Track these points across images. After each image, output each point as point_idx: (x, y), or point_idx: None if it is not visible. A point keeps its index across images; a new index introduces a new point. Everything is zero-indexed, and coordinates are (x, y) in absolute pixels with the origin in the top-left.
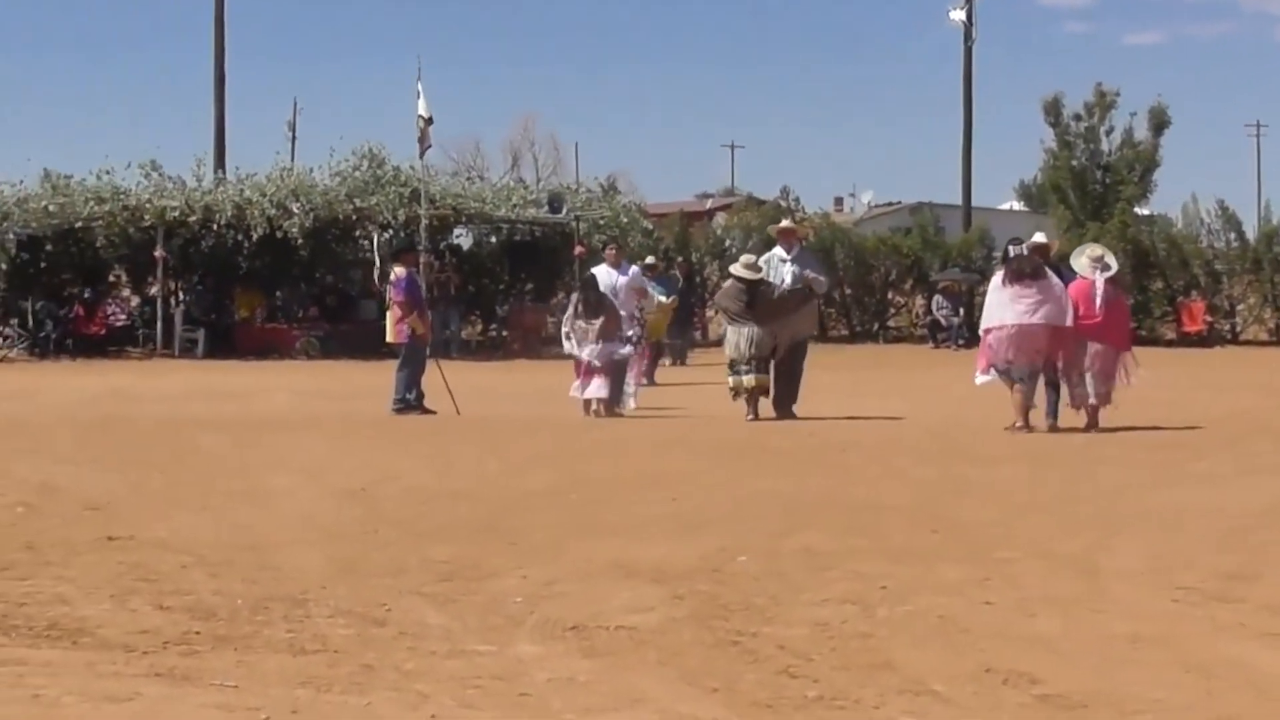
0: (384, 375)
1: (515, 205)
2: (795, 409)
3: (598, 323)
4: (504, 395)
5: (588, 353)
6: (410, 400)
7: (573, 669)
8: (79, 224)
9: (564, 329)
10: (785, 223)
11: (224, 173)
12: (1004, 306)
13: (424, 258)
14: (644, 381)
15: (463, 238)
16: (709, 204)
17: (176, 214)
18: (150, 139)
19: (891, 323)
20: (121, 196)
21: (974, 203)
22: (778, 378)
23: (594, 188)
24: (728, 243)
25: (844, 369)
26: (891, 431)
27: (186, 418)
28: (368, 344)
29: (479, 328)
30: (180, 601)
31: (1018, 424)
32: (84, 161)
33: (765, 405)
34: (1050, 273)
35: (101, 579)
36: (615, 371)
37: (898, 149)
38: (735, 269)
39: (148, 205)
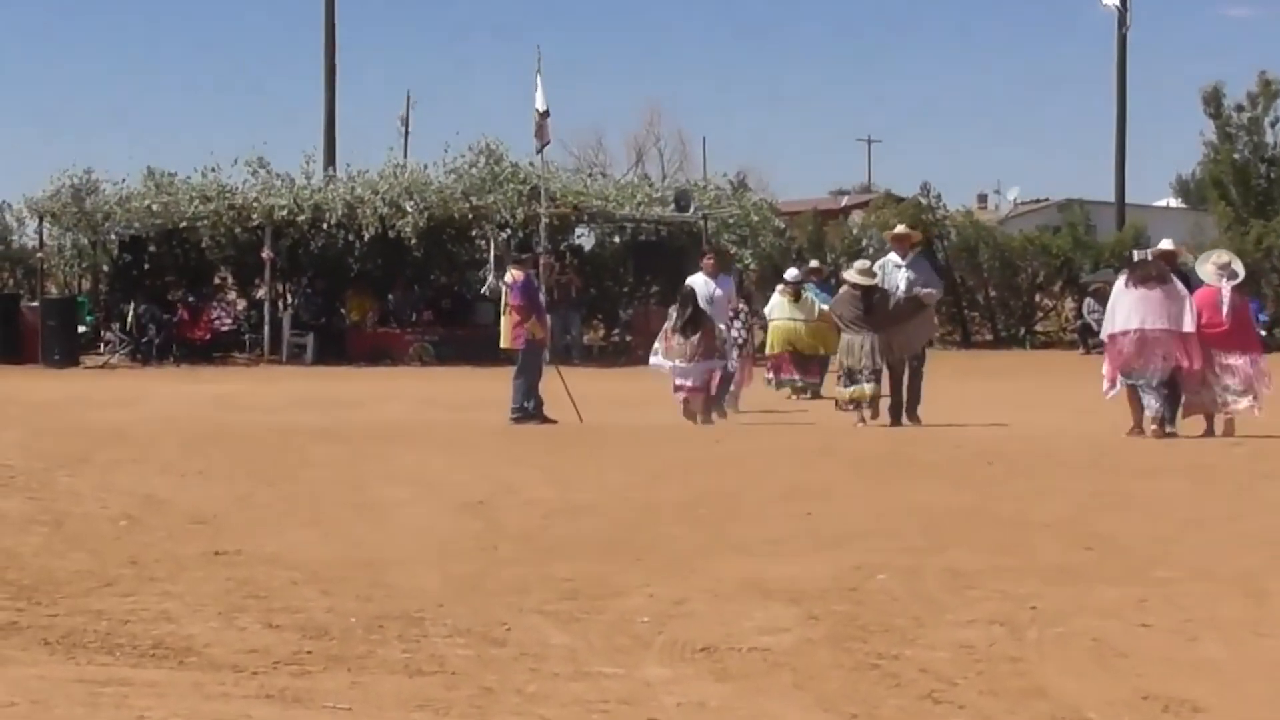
0: (502, 382)
1: (640, 203)
2: (919, 415)
3: (694, 339)
4: (628, 403)
5: (683, 371)
6: (529, 409)
7: (703, 693)
8: (183, 224)
9: (656, 343)
10: (900, 228)
11: (334, 170)
12: (1127, 312)
13: (544, 259)
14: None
15: (584, 238)
16: (844, 201)
17: (284, 213)
18: (257, 134)
19: (1039, 327)
20: (227, 195)
21: (1128, 199)
22: (895, 387)
23: (723, 184)
24: (864, 242)
25: (989, 376)
26: (1041, 442)
27: (296, 427)
28: (485, 349)
29: (601, 332)
30: (291, 620)
31: (1135, 429)
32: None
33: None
34: (1175, 278)
35: (208, 596)
36: (724, 375)
37: (1046, 142)
38: (850, 275)
39: (255, 204)
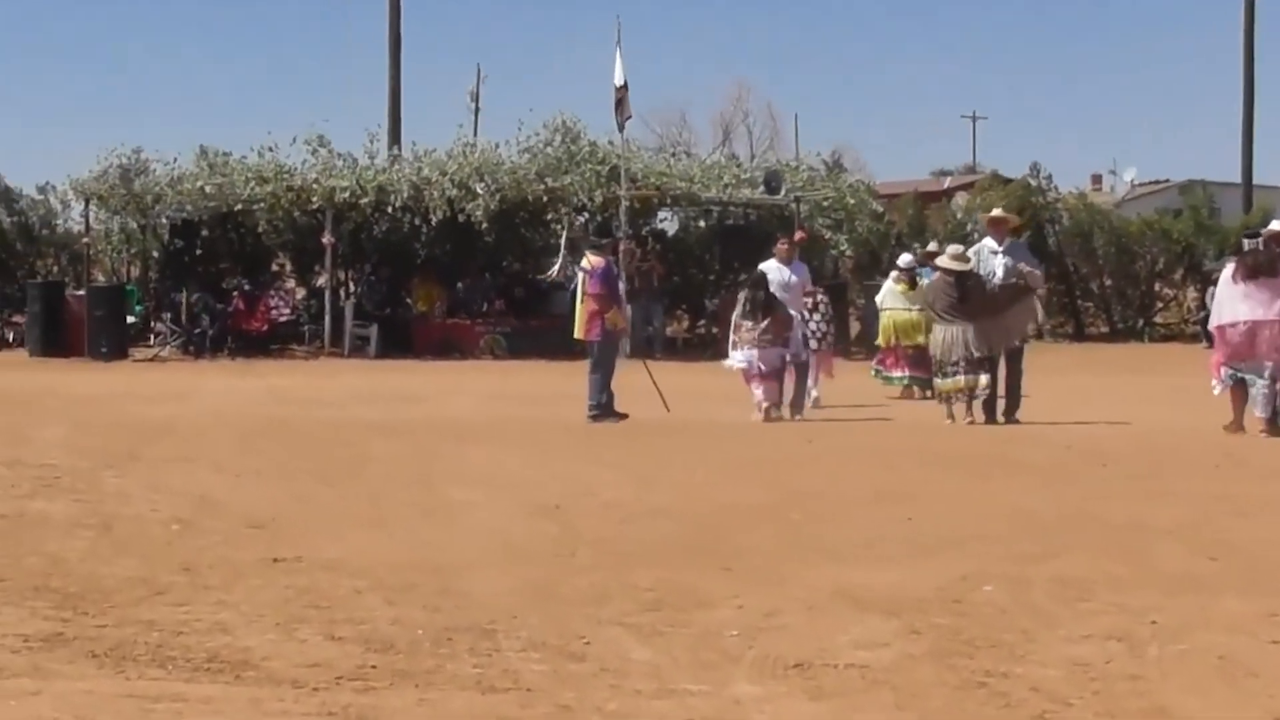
0: (579, 377)
1: (726, 185)
2: (1018, 417)
3: (764, 324)
4: (714, 399)
5: (751, 358)
6: (606, 405)
7: (796, 713)
8: (238, 207)
9: (731, 335)
10: (996, 211)
11: (399, 149)
12: (1235, 302)
13: (624, 245)
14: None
15: (667, 221)
16: (947, 183)
17: (346, 195)
18: (317, 111)
19: (1159, 319)
20: (285, 176)
21: (1255, 180)
22: (993, 381)
23: (816, 164)
24: (969, 227)
25: (1103, 371)
26: (1159, 442)
27: (359, 424)
28: (560, 341)
29: (685, 323)
30: (354, 631)
31: (1235, 424)
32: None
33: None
34: None
35: (266, 605)
36: (797, 372)
37: (1165, 119)
38: (942, 261)
39: (314, 185)
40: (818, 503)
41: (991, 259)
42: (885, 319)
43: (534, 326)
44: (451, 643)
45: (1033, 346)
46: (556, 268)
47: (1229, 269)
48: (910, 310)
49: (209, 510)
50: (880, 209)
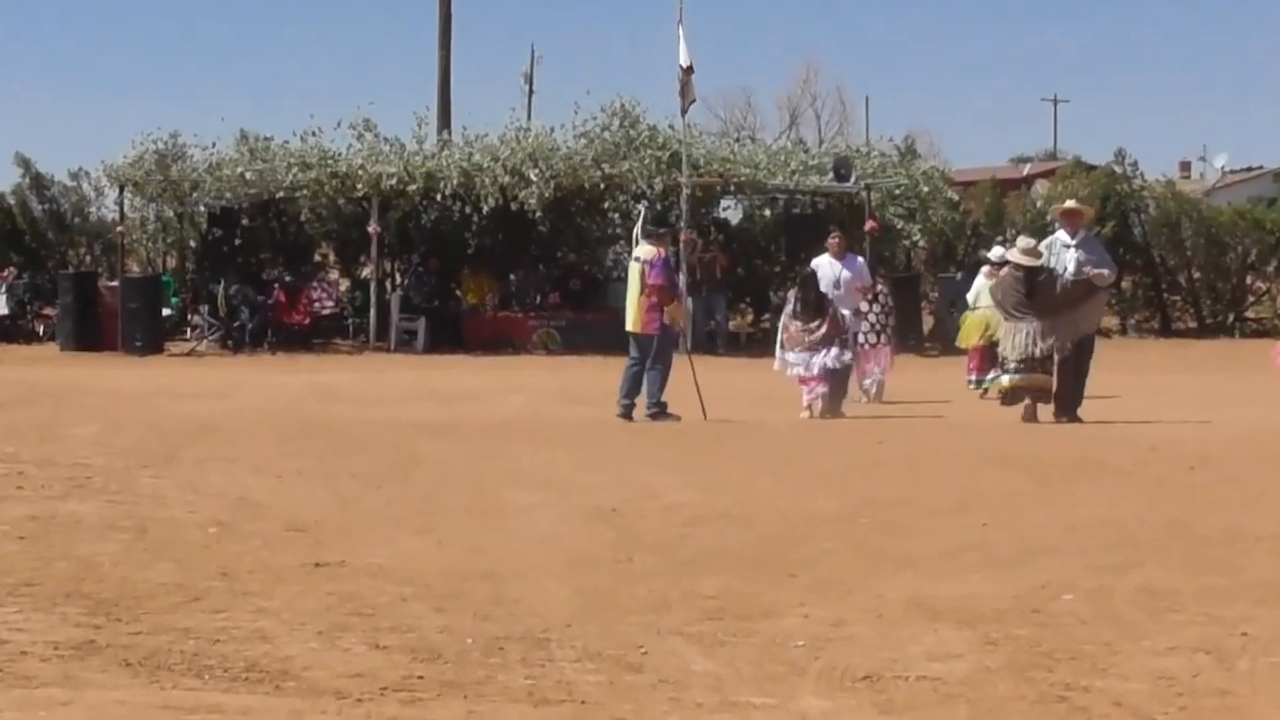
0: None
1: (794, 172)
2: (1080, 414)
3: (816, 325)
4: (778, 399)
5: (804, 361)
6: (665, 403)
7: None
8: (280, 194)
9: (779, 335)
10: (1070, 202)
11: (449, 133)
12: None
13: (685, 235)
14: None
15: (731, 210)
16: (1026, 170)
17: (393, 182)
18: (363, 93)
19: (1251, 313)
20: (329, 161)
21: None
22: (1062, 378)
23: (888, 150)
24: (1049, 216)
25: (1192, 369)
26: (1251, 444)
27: (406, 422)
28: (618, 336)
29: (749, 318)
30: (400, 640)
31: None
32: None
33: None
34: None
35: (308, 612)
36: (840, 370)
37: (1259, 101)
38: (1012, 255)
39: (360, 172)
40: (888, 509)
41: (1064, 253)
42: (971, 319)
43: (589, 320)
44: (503, 652)
45: (1115, 343)
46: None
47: None
48: None
49: (248, 513)
50: (955, 197)
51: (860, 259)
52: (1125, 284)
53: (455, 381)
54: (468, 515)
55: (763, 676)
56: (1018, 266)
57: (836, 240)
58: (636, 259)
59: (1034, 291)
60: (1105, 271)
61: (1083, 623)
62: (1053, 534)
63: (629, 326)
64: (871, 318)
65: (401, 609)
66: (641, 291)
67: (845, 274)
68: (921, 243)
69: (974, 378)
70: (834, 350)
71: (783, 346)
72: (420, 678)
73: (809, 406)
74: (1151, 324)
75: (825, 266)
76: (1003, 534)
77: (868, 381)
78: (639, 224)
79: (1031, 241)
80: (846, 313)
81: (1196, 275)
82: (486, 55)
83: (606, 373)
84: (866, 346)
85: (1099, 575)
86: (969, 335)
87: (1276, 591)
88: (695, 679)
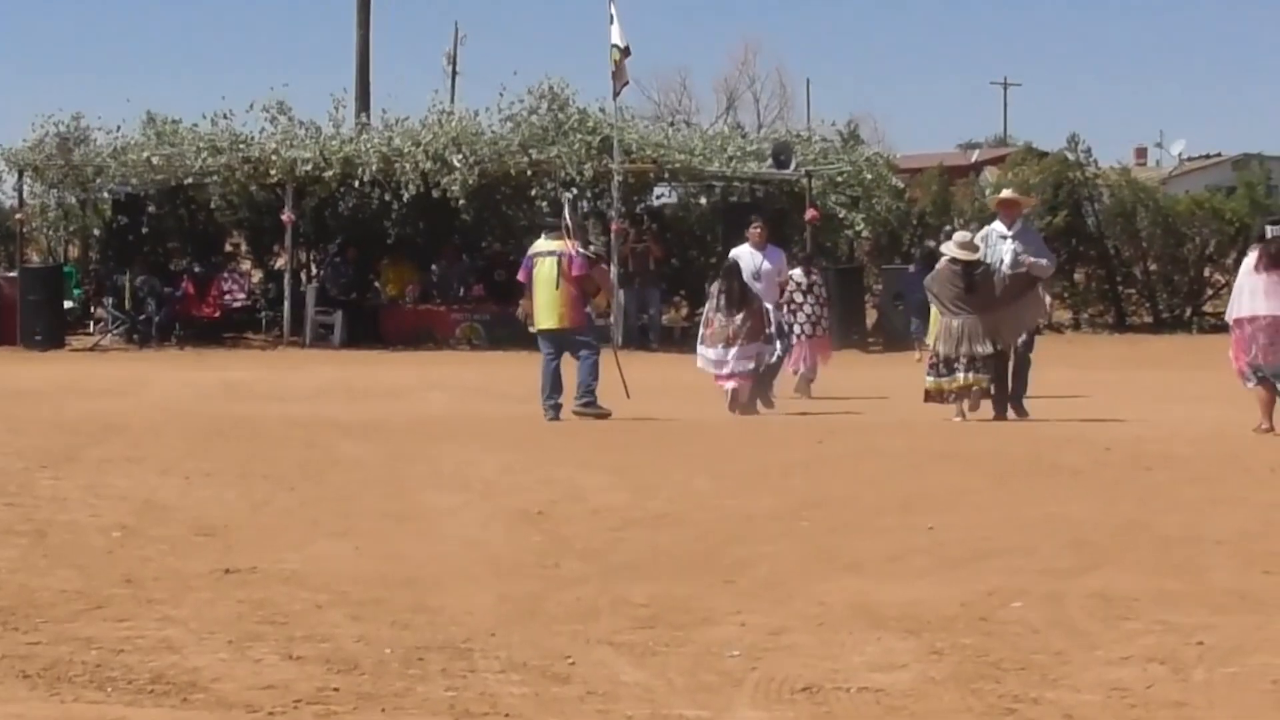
0: (566, 369)
1: (731, 158)
2: (1025, 407)
3: (739, 319)
4: (712, 395)
5: (722, 358)
6: (596, 395)
7: None
8: (189, 180)
9: (701, 330)
10: (1006, 192)
11: (368, 117)
12: (1255, 296)
13: (616, 224)
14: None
15: (665, 198)
16: (975, 156)
17: (309, 168)
18: (277, 74)
19: (1209, 307)
20: (241, 146)
21: None
22: (1000, 376)
23: (830, 135)
24: (1035, 202)
25: (1148, 366)
26: (1210, 443)
27: (322, 421)
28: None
29: (684, 311)
30: (315, 650)
31: (1263, 425)
32: (196, 102)
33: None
34: None
35: (217, 621)
36: (761, 371)
37: (1218, 87)
38: (949, 248)
39: (274, 157)
40: (830, 511)
41: (1000, 244)
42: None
43: (516, 314)
44: (423, 663)
45: (1068, 338)
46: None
47: (1250, 257)
48: None
49: (155, 516)
50: (901, 185)
51: (780, 250)
52: (1078, 276)
53: (374, 378)
54: (387, 518)
55: (696, 687)
56: (954, 261)
57: (758, 230)
58: (548, 253)
59: (972, 286)
60: (1044, 262)
61: (1033, 631)
62: (1003, 536)
63: (547, 324)
64: (808, 309)
65: (316, 617)
66: (558, 286)
67: (766, 265)
68: (865, 233)
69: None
70: (756, 346)
71: (703, 342)
72: (336, 690)
73: (741, 407)
74: (1106, 319)
75: (745, 257)
76: (951, 536)
77: (798, 371)
78: (565, 214)
79: (968, 235)
80: (769, 306)
81: (1153, 267)
82: (408, 34)
83: (533, 368)
84: (804, 338)
85: (1051, 580)
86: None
87: (1236, 598)
88: (625, 690)
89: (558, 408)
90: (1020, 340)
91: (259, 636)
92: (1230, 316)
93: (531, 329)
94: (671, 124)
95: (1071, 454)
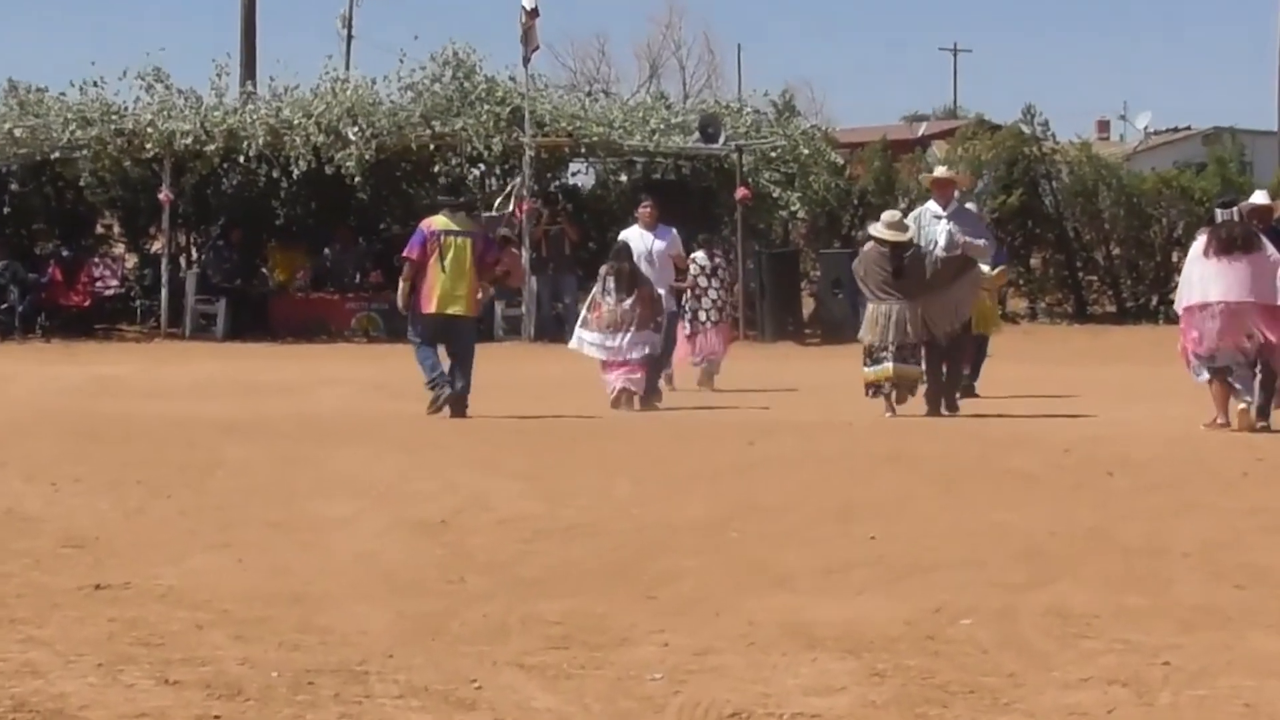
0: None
1: (654, 131)
2: (959, 403)
3: (629, 304)
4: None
5: (612, 343)
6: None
7: None
8: (55, 155)
9: (584, 313)
10: (940, 170)
11: (254, 85)
12: (1206, 282)
13: (528, 203)
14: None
15: (581, 175)
16: (922, 130)
17: (189, 141)
18: (153, 38)
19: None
20: (114, 117)
21: None
22: (933, 367)
23: (763, 107)
24: (970, 181)
25: (1111, 360)
26: (1180, 447)
27: (203, 421)
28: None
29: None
30: (194, 674)
31: (1218, 419)
32: (63, 70)
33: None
34: (1266, 242)
35: (86, 642)
36: (650, 362)
37: (1185, 56)
38: (876, 229)
39: (149, 129)
40: (761, 520)
41: (934, 225)
42: None
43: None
44: (313, 688)
45: (1024, 329)
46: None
47: (1199, 242)
48: None
49: (17, 527)
50: (840, 161)
51: (673, 230)
52: (1035, 262)
53: (261, 373)
54: (273, 529)
55: (614, 714)
56: (882, 242)
57: (648, 209)
58: (460, 233)
59: (901, 270)
60: (981, 242)
61: (983, 651)
62: (951, 547)
63: (453, 309)
64: (712, 294)
65: (195, 637)
66: (467, 270)
67: (657, 245)
68: (801, 213)
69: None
70: (647, 333)
71: (584, 324)
72: (217, 717)
73: (618, 396)
74: (1065, 308)
75: (635, 239)
76: (893, 547)
77: (699, 362)
78: (514, 191)
79: (897, 214)
80: (662, 291)
81: (1116, 252)
82: None
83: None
84: (708, 325)
85: (1003, 595)
86: None
87: (1204, 614)
88: (536, 717)
89: (450, 382)
90: (955, 329)
91: (132, 659)
92: (1180, 305)
93: (423, 312)
94: (589, 94)
95: (1025, 457)
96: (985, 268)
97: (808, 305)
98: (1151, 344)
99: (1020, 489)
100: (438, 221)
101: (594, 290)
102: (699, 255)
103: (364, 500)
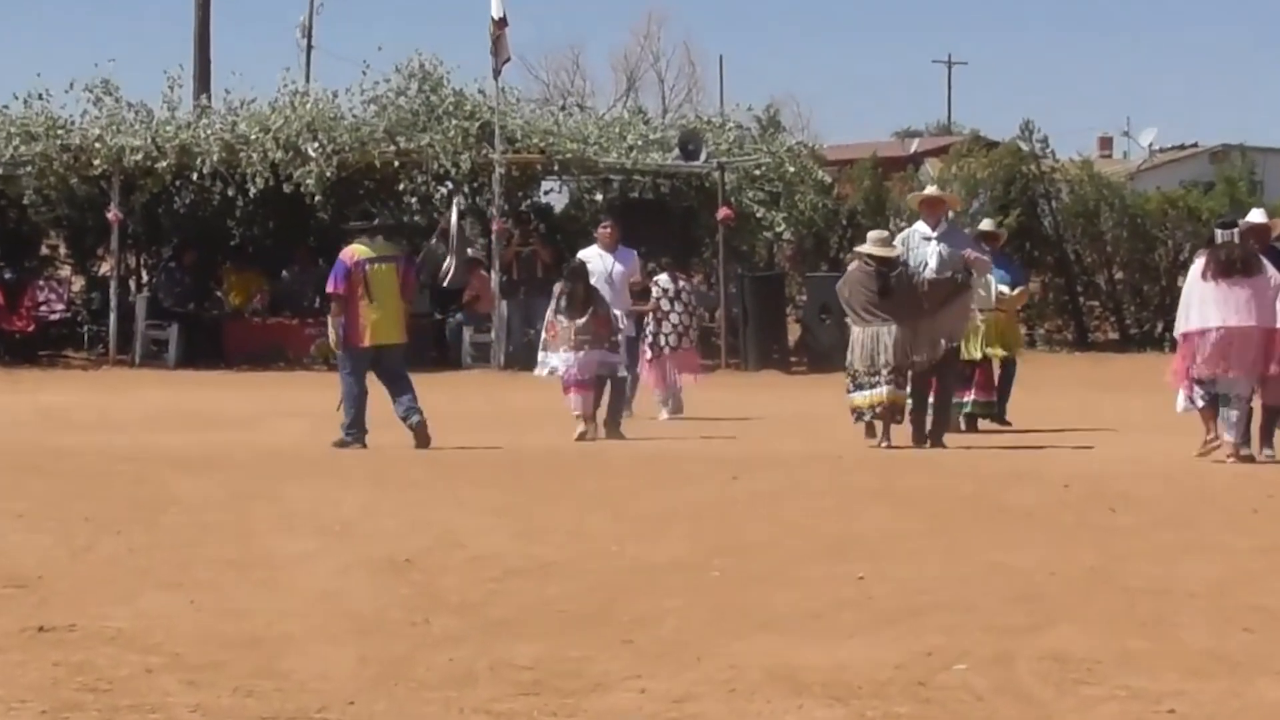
0: (440, 391)
1: (631, 148)
2: (945, 439)
3: (583, 322)
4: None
5: (568, 362)
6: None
7: None
8: None
9: (543, 334)
10: (930, 189)
11: (208, 98)
12: (1206, 306)
13: (499, 223)
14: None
15: (554, 194)
16: (914, 147)
17: (139, 157)
18: (102, 49)
19: None
20: (60, 132)
21: None
22: (920, 395)
23: (746, 122)
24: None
25: (1113, 389)
26: (1186, 482)
27: (154, 454)
28: (416, 347)
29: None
30: None
31: (1208, 437)
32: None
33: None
34: (1268, 264)
35: (29, 687)
36: (615, 383)
37: (1192, 71)
38: (863, 248)
39: (98, 145)
40: (745, 559)
41: (923, 246)
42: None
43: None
44: None
45: (1022, 357)
46: (448, 263)
47: (1198, 264)
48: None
49: None
50: (828, 179)
51: (633, 252)
52: (1033, 286)
53: (215, 403)
54: (229, 568)
55: None
56: (868, 260)
57: (608, 230)
58: (385, 259)
59: (887, 290)
60: (986, 257)
61: (978, 698)
62: (944, 589)
63: (391, 339)
64: (674, 318)
65: (145, 683)
66: (398, 296)
67: (617, 268)
68: (786, 234)
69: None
70: (600, 353)
71: (544, 348)
72: None
73: (585, 427)
74: (1065, 335)
75: (595, 259)
76: (883, 588)
77: (661, 395)
78: (453, 217)
79: (886, 233)
80: (619, 313)
81: (1119, 276)
82: (255, 4)
83: None
84: (668, 351)
85: (999, 639)
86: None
87: (1213, 659)
88: None
89: (406, 415)
90: (946, 355)
91: (78, 705)
92: (1179, 331)
93: (358, 346)
94: (562, 108)
95: (1023, 492)
96: (1005, 289)
97: (793, 332)
98: (1156, 372)
99: (1017, 526)
100: (358, 251)
101: (549, 310)
102: (662, 278)
103: (325, 537)
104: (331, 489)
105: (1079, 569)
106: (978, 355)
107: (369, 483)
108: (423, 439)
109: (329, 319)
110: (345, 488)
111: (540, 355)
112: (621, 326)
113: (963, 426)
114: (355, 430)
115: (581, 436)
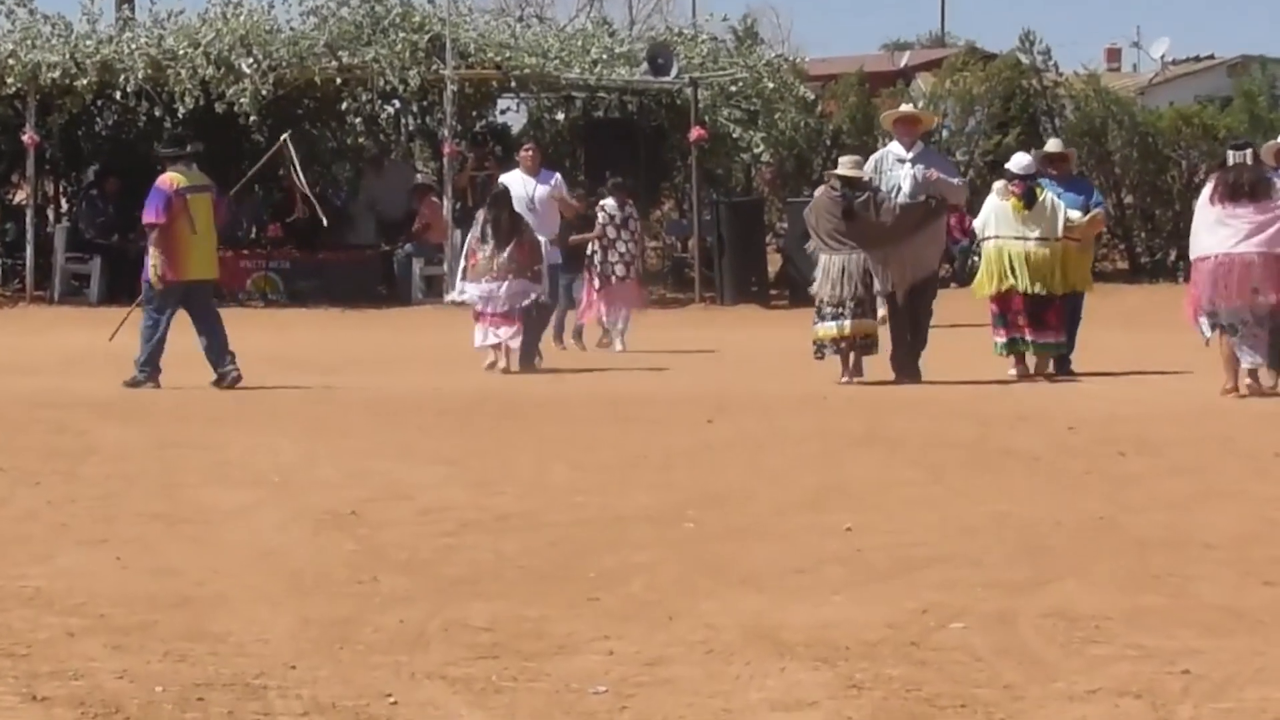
0: (388, 328)
1: (595, 62)
2: (921, 367)
3: (508, 252)
4: (576, 359)
5: (488, 294)
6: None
7: None
8: None
9: (462, 262)
10: (905, 107)
11: (132, 10)
12: (1210, 230)
13: (451, 146)
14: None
15: (512, 113)
16: (904, 60)
17: (57, 75)
18: None
19: None
20: None
21: None
22: (895, 329)
23: (721, 34)
24: (937, 121)
25: (1123, 324)
26: (1201, 424)
27: (75, 399)
28: (360, 281)
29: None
30: (65, 689)
31: (1226, 385)
32: None
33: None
34: (1278, 186)
35: None
36: (532, 316)
37: None
38: (833, 171)
39: (11, 61)
40: (721, 510)
41: (897, 169)
42: (987, 254)
43: (323, 261)
44: (203, 704)
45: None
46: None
47: (1207, 188)
48: (1026, 240)
49: None
50: (811, 96)
51: (556, 174)
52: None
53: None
54: (157, 522)
55: None
56: (834, 185)
57: (530, 153)
58: (201, 188)
59: (850, 212)
60: (955, 181)
61: (977, 659)
62: (940, 541)
63: (208, 274)
64: (621, 246)
65: (67, 647)
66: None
67: (540, 190)
68: (765, 156)
69: (999, 339)
70: (524, 281)
71: (464, 276)
72: None
73: (495, 356)
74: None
75: (516, 184)
76: (873, 541)
77: (605, 320)
78: (290, 150)
79: (858, 157)
80: (543, 239)
81: (1128, 200)
82: None
83: (344, 330)
84: (613, 280)
85: (1000, 595)
86: (985, 280)
87: (1230, 616)
88: None
89: (217, 363)
90: (921, 283)
91: None
92: (1192, 256)
93: (177, 280)
94: (520, 19)
95: (1026, 436)
96: (1075, 214)
97: (773, 262)
98: (1169, 306)
99: (1019, 474)
100: (175, 179)
101: (469, 237)
102: (608, 203)
103: (261, 489)
104: (268, 436)
105: (1087, 519)
106: (1036, 289)
107: (309, 431)
108: (233, 379)
109: (149, 249)
110: (283, 435)
111: (459, 283)
112: (545, 253)
113: (1051, 369)
114: (149, 368)
115: (492, 366)
